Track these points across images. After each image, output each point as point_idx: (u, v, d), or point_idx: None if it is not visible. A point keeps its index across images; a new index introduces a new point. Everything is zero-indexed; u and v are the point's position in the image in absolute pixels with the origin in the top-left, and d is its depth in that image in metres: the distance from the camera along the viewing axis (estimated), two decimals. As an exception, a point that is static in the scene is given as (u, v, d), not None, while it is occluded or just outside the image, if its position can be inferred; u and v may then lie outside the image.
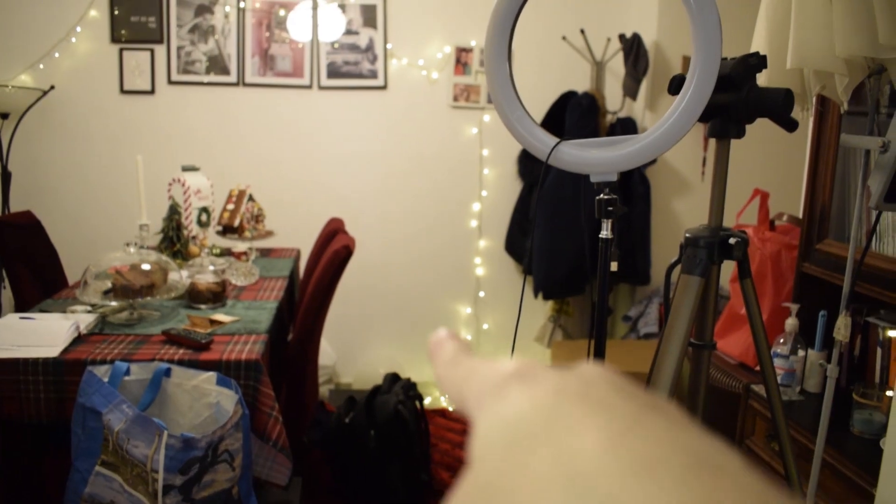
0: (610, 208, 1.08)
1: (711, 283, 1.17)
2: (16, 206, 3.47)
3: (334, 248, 2.29)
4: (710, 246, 1.14)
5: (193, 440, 1.54)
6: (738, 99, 1.12)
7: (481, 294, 3.98)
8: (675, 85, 1.14)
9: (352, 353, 3.96)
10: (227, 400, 1.71)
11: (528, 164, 3.73)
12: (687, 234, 1.17)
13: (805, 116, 1.64)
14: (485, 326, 4.01)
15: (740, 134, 1.16)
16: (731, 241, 1.14)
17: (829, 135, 2.00)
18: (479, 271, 3.96)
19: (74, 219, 3.65)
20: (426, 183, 3.85)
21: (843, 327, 1.50)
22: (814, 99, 1.54)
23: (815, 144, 2.05)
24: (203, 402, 1.75)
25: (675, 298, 1.13)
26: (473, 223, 3.91)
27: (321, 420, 3.18)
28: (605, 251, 1.10)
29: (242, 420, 1.66)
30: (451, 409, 3.73)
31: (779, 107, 1.10)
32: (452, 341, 0.32)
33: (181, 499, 1.56)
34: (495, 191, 3.88)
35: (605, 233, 1.11)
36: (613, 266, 1.14)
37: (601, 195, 1.09)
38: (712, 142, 1.19)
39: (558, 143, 1.09)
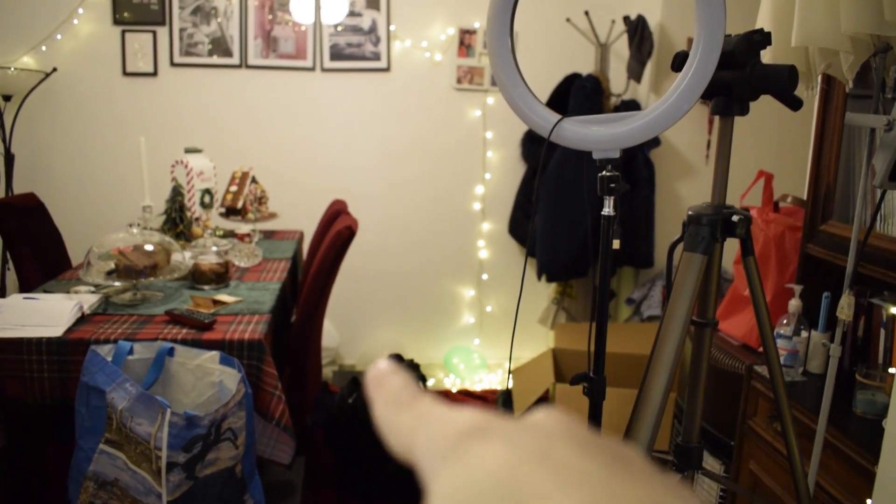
0: (612, 185, 1.08)
1: (714, 261, 1.17)
2: (19, 188, 3.47)
3: (337, 230, 2.29)
4: (713, 223, 1.13)
5: (196, 418, 1.55)
6: (741, 76, 1.11)
7: (484, 277, 3.98)
8: (679, 62, 1.13)
9: (355, 334, 3.97)
10: (230, 379, 1.71)
11: (532, 147, 3.72)
12: (690, 212, 1.16)
13: (810, 96, 1.63)
14: (488, 309, 4.01)
15: (744, 111, 1.15)
16: (734, 218, 1.14)
17: (834, 115, 1.98)
18: (483, 254, 3.96)
19: (77, 201, 3.65)
20: (429, 165, 3.85)
21: (846, 306, 1.50)
22: (819, 78, 1.53)
23: (820, 124, 2.04)
24: (206, 381, 1.75)
25: (678, 276, 1.13)
26: (477, 206, 3.91)
27: (324, 401, 3.19)
28: (607, 228, 1.10)
29: (245, 399, 1.67)
30: (454, 390, 3.75)
31: (782, 83, 1.09)
32: (395, 377, 0.29)
33: (184, 476, 1.57)
34: (499, 173, 3.88)
35: (608, 210, 1.10)
36: (616, 244, 1.13)
37: (603, 172, 1.09)
38: (716, 125, 1.19)
39: (560, 120, 1.09)
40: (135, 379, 1.70)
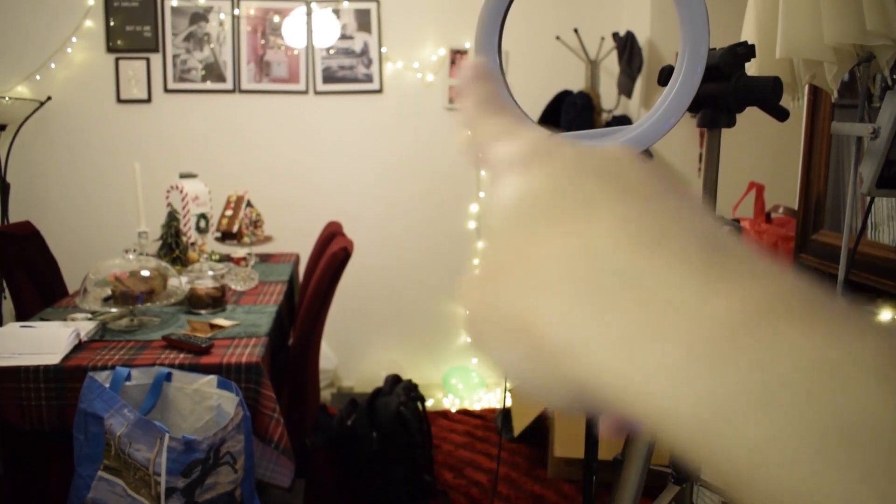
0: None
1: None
2: (15, 216, 3.47)
3: (332, 251, 2.30)
4: (704, 235, 1.14)
5: (195, 442, 1.55)
6: (726, 88, 1.13)
7: (481, 295, 3.98)
8: (664, 76, 1.14)
9: (353, 356, 3.97)
10: (227, 402, 1.71)
11: (525, 164, 3.73)
12: (680, 224, 1.17)
13: (796, 107, 1.65)
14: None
15: (731, 123, 1.17)
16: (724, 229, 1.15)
17: (821, 125, 2.00)
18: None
19: (73, 228, 3.66)
20: (423, 185, 3.86)
21: (839, 314, 1.51)
22: (805, 88, 1.55)
23: (809, 135, 2.06)
24: (204, 405, 1.75)
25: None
26: (472, 225, 3.92)
27: (323, 423, 3.18)
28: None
29: (244, 422, 1.67)
30: (453, 409, 3.74)
31: (767, 94, 1.10)
32: (483, 84, 0.30)
33: (184, 501, 1.57)
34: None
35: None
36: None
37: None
38: (705, 142, 1.20)
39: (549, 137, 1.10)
40: (133, 405, 1.70)
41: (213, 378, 1.74)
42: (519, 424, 3.23)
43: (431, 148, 3.83)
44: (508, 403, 3.53)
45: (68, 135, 3.63)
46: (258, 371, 1.85)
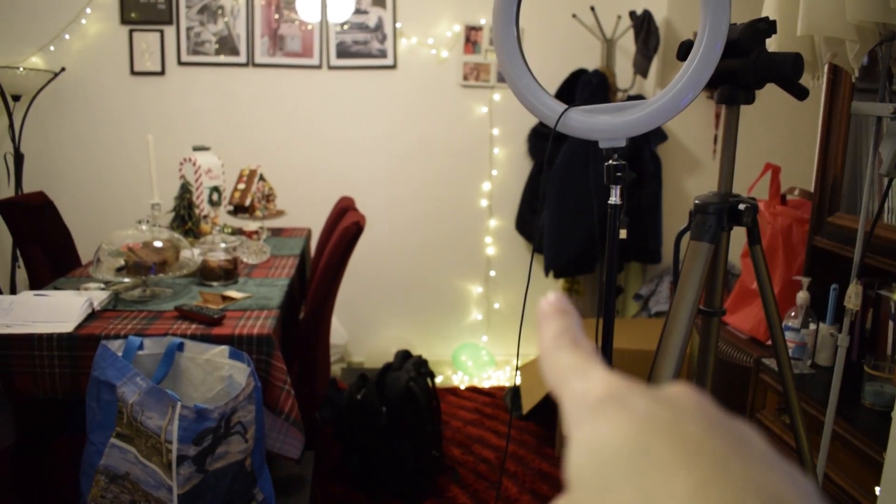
0: (619, 174, 1.08)
1: (721, 249, 1.17)
2: (28, 187, 3.49)
3: (345, 225, 2.30)
4: (720, 212, 1.13)
5: (206, 411, 1.56)
6: (746, 64, 1.11)
7: (492, 273, 3.99)
8: (684, 51, 1.13)
9: (363, 332, 3.98)
10: (239, 373, 1.72)
11: (538, 143, 3.72)
12: (696, 201, 1.17)
13: (816, 85, 1.63)
14: (496, 306, 4.02)
15: (749, 100, 1.15)
16: (741, 207, 1.14)
17: (840, 105, 1.98)
18: (490, 251, 3.96)
19: (86, 199, 3.67)
20: (436, 162, 3.85)
21: (854, 295, 1.50)
22: (825, 67, 1.53)
23: (827, 115, 2.04)
24: (216, 375, 1.76)
25: (685, 265, 1.13)
26: (484, 202, 3.91)
27: (333, 397, 3.20)
28: (614, 218, 1.10)
29: (255, 392, 1.68)
30: (462, 386, 3.75)
31: (787, 71, 1.09)
32: (567, 316, 0.31)
33: (195, 469, 1.58)
34: (505, 170, 3.88)
35: (615, 199, 1.11)
36: (623, 233, 1.14)
37: (610, 161, 1.09)
38: (723, 119, 1.19)
39: (567, 110, 1.09)
40: (145, 374, 1.71)
41: (224, 348, 1.75)
42: (528, 402, 3.23)
43: (444, 125, 3.81)
44: (518, 382, 3.54)
45: (82, 106, 3.64)
46: (269, 343, 1.85)
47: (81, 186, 3.68)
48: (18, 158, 3.46)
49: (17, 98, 3.44)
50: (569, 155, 3.39)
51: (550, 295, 0.32)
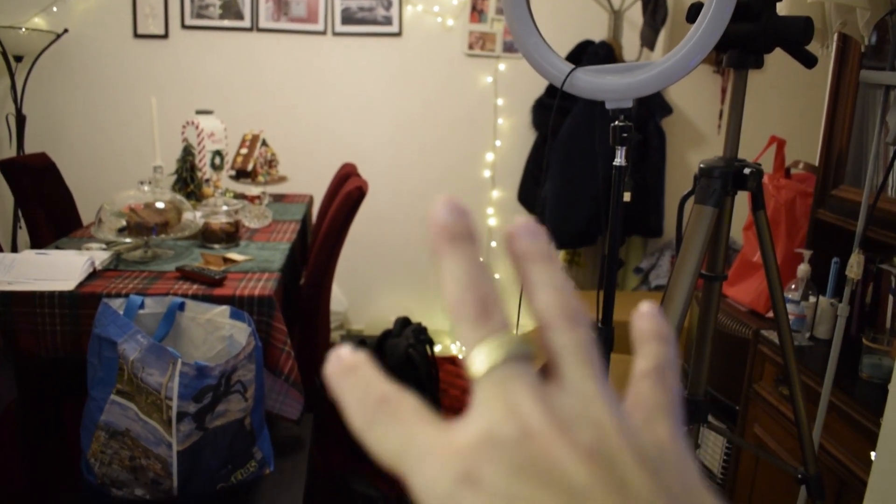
0: (624, 135, 1.08)
1: (725, 214, 1.17)
2: (31, 148, 3.48)
3: (347, 190, 2.29)
4: (725, 176, 1.13)
5: (207, 368, 1.57)
6: (755, 28, 1.10)
7: (493, 244, 3.99)
8: (693, 12, 1.12)
9: (363, 300, 3.99)
10: (239, 333, 1.73)
11: (543, 114, 3.70)
12: (701, 165, 1.16)
13: (825, 55, 1.62)
14: (496, 277, 4.01)
15: (759, 63, 1.14)
16: (746, 171, 1.14)
17: (849, 77, 1.97)
18: (492, 221, 3.96)
19: (88, 161, 3.67)
20: (439, 132, 3.84)
21: (855, 265, 1.50)
22: (835, 36, 1.52)
23: (835, 86, 2.02)
24: (216, 335, 1.77)
25: (688, 228, 1.13)
26: (486, 173, 3.90)
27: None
28: (618, 180, 1.10)
29: (255, 352, 1.68)
30: (461, 356, 3.77)
31: (797, 35, 1.08)
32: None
33: (195, 427, 1.59)
34: (509, 141, 3.86)
35: (620, 160, 1.10)
36: (627, 196, 1.14)
37: (616, 122, 1.09)
38: (731, 83, 1.18)
39: (574, 70, 1.08)
40: (146, 333, 1.72)
41: (225, 308, 1.76)
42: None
43: (449, 93, 3.79)
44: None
45: (84, 68, 3.61)
46: (270, 304, 1.86)
47: (83, 148, 3.67)
48: (21, 120, 3.45)
49: (19, 59, 3.42)
50: (573, 127, 3.37)
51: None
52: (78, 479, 1.73)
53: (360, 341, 2.94)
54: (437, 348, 3.68)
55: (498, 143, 3.86)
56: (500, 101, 3.81)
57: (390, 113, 3.80)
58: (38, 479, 2.13)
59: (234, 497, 1.72)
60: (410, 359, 2.72)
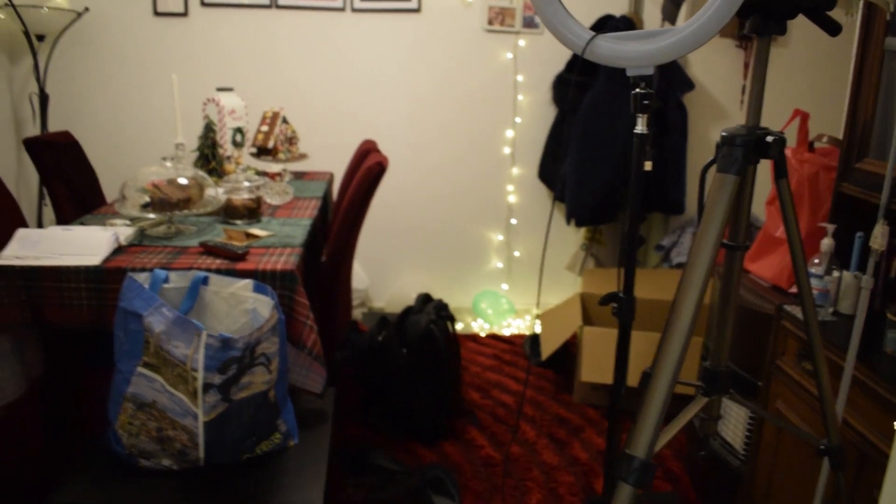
0: (645, 102, 1.07)
1: (747, 183, 1.16)
2: (54, 127, 3.52)
3: (368, 165, 2.30)
4: (747, 144, 1.12)
5: (232, 340, 1.59)
6: (780, -7, 1.09)
7: (513, 221, 3.98)
8: (717, -22, 1.11)
9: (384, 278, 4.01)
10: (263, 306, 1.75)
11: (563, 90, 3.68)
12: (723, 133, 1.15)
13: (849, 22, 1.60)
14: (516, 254, 4.02)
15: (781, 30, 1.13)
16: (768, 139, 1.13)
17: (874, 46, 1.94)
18: (511, 198, 3.95)
19: (111, 139, 3.70)
20: (459, 109, 3.83)
21: (879, 236, 1.49)
22: (860, 3, 1.50)
23: (860, 56, 1.99)
24: (240, 308, 1.79)
25: (710, 197, 1.13)
26: (506, 150, 3.89)
27: (353, 340, 3.24)
28: (639, 147, 1.10)
29: (279, 325, 1.70)
30: (482, 334, 3.78)
31: (821, 0, 1.07)
32: None
33: (220, 398, 1.61)
34: (529, 117, 3.85)
35: (640, 128, 1.10)
36: (648, 165, 1.13)
37: (637, 89, 1.08)
38: (754, 50, 1.17)
39: (594, 37, 1.08)
40: (171, 306, 1.74)
41: (249, 282, 1.77)
42: (547, 350, 3.25)
43: (468, 70, 3.78)
44: (538, 328, 3.56)
45: (105, 46, 3.63)
46: (293, 279, 1.87)
47: (105, 126, 3.70)
48: (43, 99, 3.48)
49: (41, 38, 3.44)
50: (592, 102, 3.35)
51: None
52: (104, 449, 1.77)
53: (382, 318, 2.95)
54: (459, 326, 3.70)
55: (518, 119, 3.84)
56: (519, 78, 3.79)
57: (410, 90, 3.80)
58: (62, 450, 2.17)
59: (259, 468, 1.74)
60: (432, 334, 2.73)
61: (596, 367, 2.94)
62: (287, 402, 1.82)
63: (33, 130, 3.53)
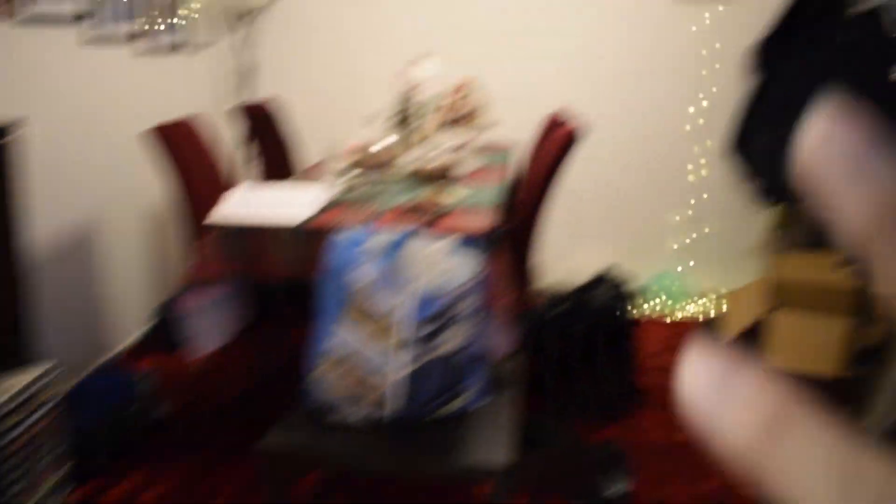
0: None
1: None
2: (263, 92, 3.75)
3: (562, 132, 2.28)
4: None
5: (432, 298, 1.63)
6: None
7: (698, 198, 3.83)
8: None
9: (559, 252, 3.97)
10: (461, 267, 1.77)
11: (762, 57, 3.47)
12: None
13: None
14: (706, 230, 3.86)
15: None
16: None
17: None
18: (695, 176, 3.80)
19: (314, 106, 3.87)
20: (642, 83, 3.72)
21: None
22: None
23: None
24: (437, 269, 1.82)
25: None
26: (687, 127, 3.74)
27: (528, 314, 3.23)
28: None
29: (476, 286, 1.72)
30: (659, 315, 3.68)
31: None
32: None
33: (418, 353, 1.66)
34: (721, 90, 3.67)
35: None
36: None
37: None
38: None
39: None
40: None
41: (447, 242, 1.81)
42: (729, 334, 3.11)
43: (654, 42, 3.66)
44: (723, 309, 3.42)
45: (308, 19, 3.82)
46: (488, 241, 1.89)
47: (309, 94, 3.89)
48: (251, 69, 3.71)
49: (251, 13, 3.67)
50: (802, 69, 3.14)
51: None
52: (300, 402, 1.86)
53: (558, 293, 2.93)
54: (634, 306, 3.61)
55: (714, 89, 3.68)
56: (715, 46, 3.62)
57: (594, 64, 3.73)
58: (267, 401, 2.32)
59: (445, 428, 1.78)
60: (607, 312, 2.68)
61: (789, 350, 2.78)
62: (478, 363, 1.85)
63: (245, 95, 3.77)
